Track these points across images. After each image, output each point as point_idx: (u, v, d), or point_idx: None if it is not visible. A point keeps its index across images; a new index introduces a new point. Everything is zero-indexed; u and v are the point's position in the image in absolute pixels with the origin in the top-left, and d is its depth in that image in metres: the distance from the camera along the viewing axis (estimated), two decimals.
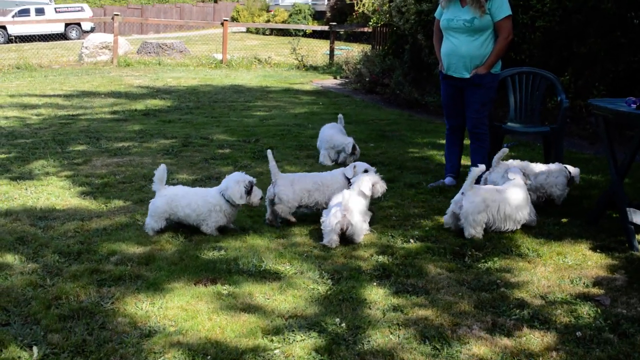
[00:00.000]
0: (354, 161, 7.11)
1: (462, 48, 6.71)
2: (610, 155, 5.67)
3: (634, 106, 5.38)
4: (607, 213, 5.87)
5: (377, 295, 4.41)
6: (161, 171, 5.56)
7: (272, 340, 3.79)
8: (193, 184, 6.99)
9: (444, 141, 7.51)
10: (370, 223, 5.78)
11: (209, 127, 10.54)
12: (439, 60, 6.99)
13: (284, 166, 7.91)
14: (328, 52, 23.05)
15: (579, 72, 11.29)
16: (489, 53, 6.72)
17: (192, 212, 5.43)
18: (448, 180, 7.11)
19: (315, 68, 21.45)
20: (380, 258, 5.07)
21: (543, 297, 4.45)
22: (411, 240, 5.45)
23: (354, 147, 8.07)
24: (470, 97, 6.87)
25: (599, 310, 4.24)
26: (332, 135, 8.27)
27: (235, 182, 5.48)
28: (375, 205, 6.39)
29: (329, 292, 4.44)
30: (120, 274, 4.65)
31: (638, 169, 8.16)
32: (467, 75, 6.78)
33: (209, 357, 3.60)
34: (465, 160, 7.38)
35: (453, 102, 7.03)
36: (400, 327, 3.97)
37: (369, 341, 3.81)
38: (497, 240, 5.44)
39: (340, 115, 8.85)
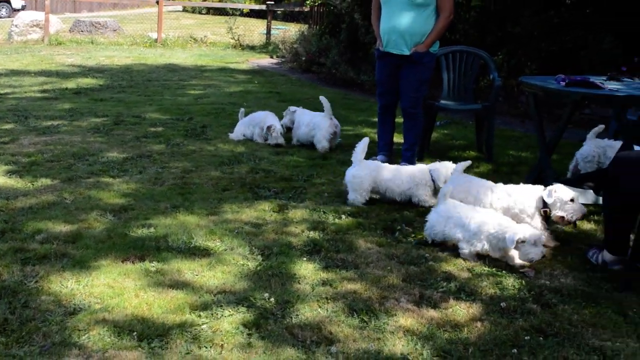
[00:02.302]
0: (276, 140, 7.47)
1: (402, 24, 6.62)
2: (539, 132, 5.78)
3: (563, 84, 5.48)
4: None
5: (306, 270, 4.41)
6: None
7: (199, 316, 3.76)
8: (124, 162, 6.88)
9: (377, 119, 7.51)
10: (302, 200, 5.79)
11: (142, 106, 10.37)
12: (377, 38, 6.92)
13: (217, 144, 7.85)
14: (265, 32, 22.91)
15: (512, 51, 11.47)
16: (429, 31, 6.67)
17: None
18: (381, 157, 7.13)
19: (252, 47, 21.31)
20: (311, 234, 5.07)
21: (470, 270, 4.51)
22: (342, 216, 5.46)
23: (269, 129, 7.94)
24: (408, 75, 6.81)
25: (523, 282, 4.32)
26: (266, 115, 8.18)
27: None
28: (307, 182, 6.40)
29: (258, 268, 4.42)
30: (45, 253, 4.54)
31: (566, 145, 8.34)
32: (407, 52, 6.71)
33: (135, 333, 3.54)
34: (398, 138, 7.42)
35: (389, 80, 6.96)
36: (329, 301, 3.98)
37: (297, 315, 3.81)
38: (427, 215, 5.47)
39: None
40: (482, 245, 4.61)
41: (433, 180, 5.70)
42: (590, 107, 10.34)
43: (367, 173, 5.68)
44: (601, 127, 6.03)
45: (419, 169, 5.84)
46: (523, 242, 4.42)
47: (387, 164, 5.90)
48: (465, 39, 11.79)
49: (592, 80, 5.46)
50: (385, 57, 6.84)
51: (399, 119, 7.18)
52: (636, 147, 5.58)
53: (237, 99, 11.36)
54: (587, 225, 5.44)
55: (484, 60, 7.79)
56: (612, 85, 5.55)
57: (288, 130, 8.14)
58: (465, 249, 4.68)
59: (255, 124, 8.10)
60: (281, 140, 7.85)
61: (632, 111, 6.40)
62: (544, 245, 4.56)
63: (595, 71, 9.03)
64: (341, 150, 7.70)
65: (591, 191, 5.53)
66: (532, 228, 4.60)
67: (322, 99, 7.64)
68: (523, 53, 11.30)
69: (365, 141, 5.74)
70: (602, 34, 10.50)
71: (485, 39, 11.69)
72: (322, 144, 7.64)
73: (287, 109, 8.29)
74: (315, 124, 7.76)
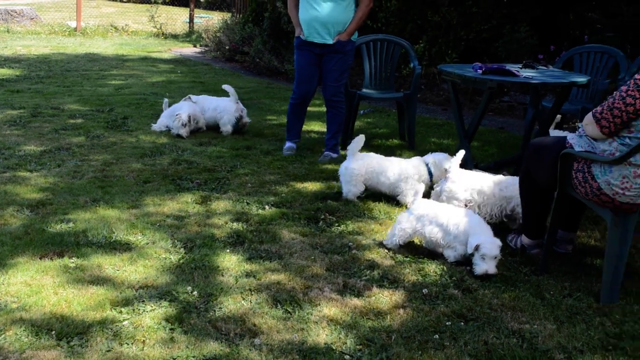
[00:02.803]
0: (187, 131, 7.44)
1: (324, 13, 6.64)
2: (458, 119, 5.86)
3: (479, 71, 5.57)
4: None
5: (230, 262, 4.38)
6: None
7: (120, 312, 3.70)
8: (41, 155, 6.71)
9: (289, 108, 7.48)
10: (225, 191, 5.76)
11: (61, 97, 10.12)
12: (296, 27, 6.90)
13: (138, 135, 7.72)
14: (188, 20, 22.60)
15: (433, 39, 11.61)
16: (350, 19, 6.72)
17: None
18: (294, 145, 7.15)
19: (174, 36, 21.00)
20: (235, 225, 5.05)
21: (393, 257, 4.56)
22: (266, 207, 5.45)
23: (175, 115, 7.86)
24: (330, 64, 6.84)
25: (444, 268, 4.39)
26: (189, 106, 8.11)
27: None
28: (231, 172, 6.36)
29: (181, 261, 4.37)
30: None
31: (486, 133, 8.52)
32: (331, 41, 6.73)
33: (54, 332, 3.46)
34: (315, 127, 7.43)
35: (309, 69, 6.93)
36: (253, 293, 3.97)
37: (220, 308, 3.78)
38: (351, 205, 5.53)
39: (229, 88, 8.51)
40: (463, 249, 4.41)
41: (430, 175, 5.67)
42: (509, 94, 10.57)
43: (360, 164, 5.63)
44: (558, 117, 6.19)
45: (413, 162, 5.75)
46: (477, 250, 4.24)
47: (380, 156, 5.84)
48: (387, 28, 11.89)
49: (508, 68, 5.57)
50: (306, 46, 6.83)
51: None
52: (560, 133, 5.73)
53: (160, 89, 11.19)
54: None
55: (404, 49, 7.87)
56: (527, 73, 5.67)
57: None
58: (450, 256, 4.49)
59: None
60: (182, 132, 7.75)
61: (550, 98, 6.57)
62: None
63: (513, 60, 9.24)
64: (265, 141, 7.69)
65: (509, 177, 5.63)
66: (494, 240, 4.31)
67: (226, 87, 7.96)
68: (443, 42, 11.46)
69: (361, 138, 5.62)
70: (518, 24, 10.73)
71: (406, 28, 11.82)
72: (226, 127, 7.95)
73: (187, 97, 8.35)
74: (222, 108, 8.01)
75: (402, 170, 5.60)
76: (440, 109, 10.38)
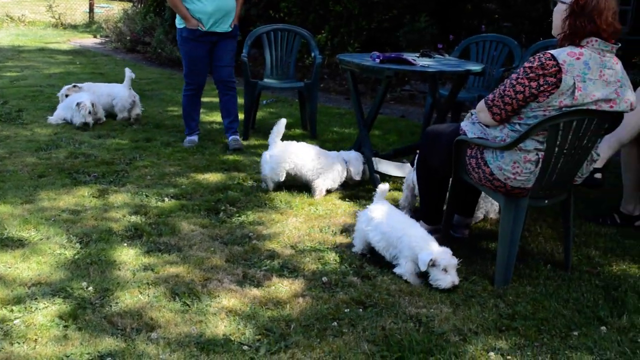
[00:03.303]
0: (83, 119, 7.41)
1: (228, 3, 6.72)
2: (357, 108, 5.91)
3: (377, 60, 5.62)
4: None
5: (127, 256, 4.30)
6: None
7: (12, 311, 3.57)
8: None
9: (205, 99, 7.42)
10: (124, 184, 5.65)
11: None
12: (188, 19, 6.77)
13: (33, 129, 7.48)
14: (88, 10, 22.01)
15: (335, 29, 11.66)
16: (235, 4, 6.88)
17: None
18: (195, 138, 7.09)
19: (74, 27, 20.42)
20: (133, 218, 4.95)
21: (293, 246, 4.56)
22: (166, 199, 5.36)
23: (77, 105, 7.65)
24: (226, 48, 6.94)
25: (344, 256, 4.42)
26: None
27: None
28: (130, 165, 6.24)
29: (76, 256, 4.26)
30: None
31: (387, 121, 8.63)
32: (230, 29, 6.85)
33: None
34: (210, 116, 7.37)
35: (204, 59, 6.93)
36: (150, 286, 3.90)
37: (117, 303, 3.70)
38: (252, 195, 5.50)
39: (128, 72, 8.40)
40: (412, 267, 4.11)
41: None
42: (410, 83, 10.74)
43: (282, 151, 5.56)
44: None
45: (335, 154, 5.74)
46: (433, 265, 3.99)
47: (304, 144, 5.79)
48: (289, 17, 11.88)
49: (405, 57, 5.64)
50: (204, 37, 6.77)
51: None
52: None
53: (57, 80, 10.86)
54: None
55: (305, 39, 7.88)
56: (423, 62, 5.76)
57: None
58: (402, 274, 4.16)
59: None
60: (89, 119, 7.59)
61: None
62: None
63: (413, 49, 9.37)
64: (166, 132, 7.57)
65: (408, 164, 5.74)
66: (445, 249, 4.06)
67: (127, 70, 8.16)
68: (345, 31, 11.53)
69: (282, 122, 5.58)
70: (418, 14, 10.90)
71: (309, 18, 11.84)
72: (123, 114, 8.02)
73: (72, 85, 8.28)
74: (115, 94, 8.05)
75: (325, 163, 5.59)
76: (343, 98, 10.45)
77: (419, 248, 4.05)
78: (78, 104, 7.54)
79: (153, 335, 3.39)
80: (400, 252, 4.15)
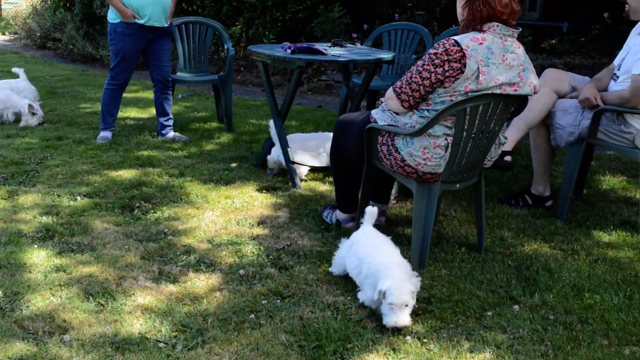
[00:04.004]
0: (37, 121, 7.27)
1: None
2: (271, 99, 5.89)
3: (288, 51, 5.61)
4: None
5: (38, 258, 4.18)
6: None
7: None
8: None
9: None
10: (34, 184, 5.51)
11: None
12: (123, 12, 6.63)
13: None
14: None
15: (250, 21, 11.61)
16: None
17: None
18: (109, 134, 6.99)
19: None
20: (44, 219, 4.82)
21: (210, 241, 4.53)
22: (78, 198, 5.25)
23: (30, 107, 7.51)
24: (163, 47, 6.97)
25: (261, 248, 4.41)
26: (8, 95, 7.69)
27: None
28: (40, 164, 6.08)
29: None
30: None
31: (305, 112, 8.65)
32: (166, 24, 6.84)
33: None
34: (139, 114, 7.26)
35: (136, 55, 6.91)
36: (63, 288, 3.81)
37: (28, 306, 3.60)
38: (167, 191, 5.43)
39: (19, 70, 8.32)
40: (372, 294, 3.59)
41: None
42: (326, 73, 10.78)
43: None
44: None
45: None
46: (384, 297, 3.44)
47: None
48: (202, 10, 11.78)
49: (317, 47, 5.64)
50: (140, 32, 6.70)
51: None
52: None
53: None
54: (322, 187, 5.67)
55: (218, 31, 7.82)
56: (335, 52, 5.78)
57: None
58: (361, 299, 3.72)
59: None
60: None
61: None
62: None
63: (328, 39, 9.42)
64: (78, 130, 7.42)
65: (324, 153, 5.75)
66: (404, 284, 3.45)
67: (16, 70, 8.37)
68: (260, 23, 11.49)
69: None
70: (331, 4, 10.94)
71: (222, 10, 11.75)
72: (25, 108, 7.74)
73: None
74: (22, 88, 8.13)
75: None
76: (259, 90, 10.43)
77: (380, 275, 3.54)
78: (30, 106, 7.54)
79: (66, 338, 3.31)
80: (366, 278, 3.69)
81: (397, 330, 3.41)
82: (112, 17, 6.71)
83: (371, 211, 4.04)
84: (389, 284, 3.42)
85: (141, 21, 6.68)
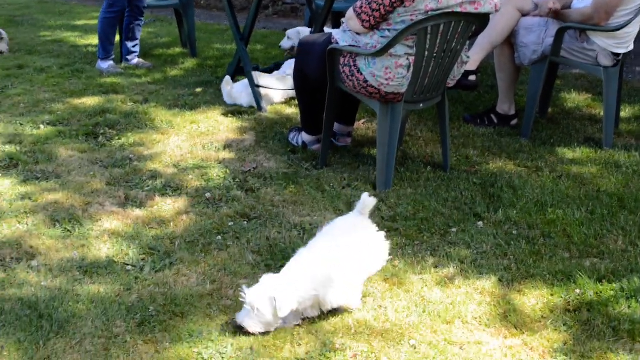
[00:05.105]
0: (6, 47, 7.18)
1: None
2: (233, 23, 5.81)
3: None
4: (237, 78, 6.01)
5: (2, 187, 4.16)
6: None
7: None
8: None
9: (80, 22, 7.17)
10: None
11: None
12: None
13: None
14: None
15: None
16: None
17: None
18: (113, 62, 6.88)
19: None
20: (7, 148, 4.78)
21: (176, 165, 4.53)
22: (41, 126, 5.19)
23: None
24: None
25: (228, 171, 4.42)
26: None
27: None
28: (2, 94, 5.99)
29: None
30: None
31: (270, 35, 8.57)
32: None
33: None
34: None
35: None
36: (29, 215, 3.81)
37: None
38: (132, 117, 5.39)
39: None
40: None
41: None
42: None
43: None
44: None
45: None
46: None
47: None
48: None
49: None
50: None
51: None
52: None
53: None
54: (288, 110, 5.66)
55: None
56: None
57: None
58: None
59: None
60: None
61: None
62: None
63: None
64: (39, 58, 7.31)
65: (289, 77, 5.72)
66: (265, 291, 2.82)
67: None
68: None
69: None
70: None
71: None
72: None
73: None
74: None
75: None
76: (224, 14, 10.25)
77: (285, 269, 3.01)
78: None
79: (34, 263, 3.33)
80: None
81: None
82: None
83: (365, 199, 3.25)
84: (250, 291, 2.82)
85: None
